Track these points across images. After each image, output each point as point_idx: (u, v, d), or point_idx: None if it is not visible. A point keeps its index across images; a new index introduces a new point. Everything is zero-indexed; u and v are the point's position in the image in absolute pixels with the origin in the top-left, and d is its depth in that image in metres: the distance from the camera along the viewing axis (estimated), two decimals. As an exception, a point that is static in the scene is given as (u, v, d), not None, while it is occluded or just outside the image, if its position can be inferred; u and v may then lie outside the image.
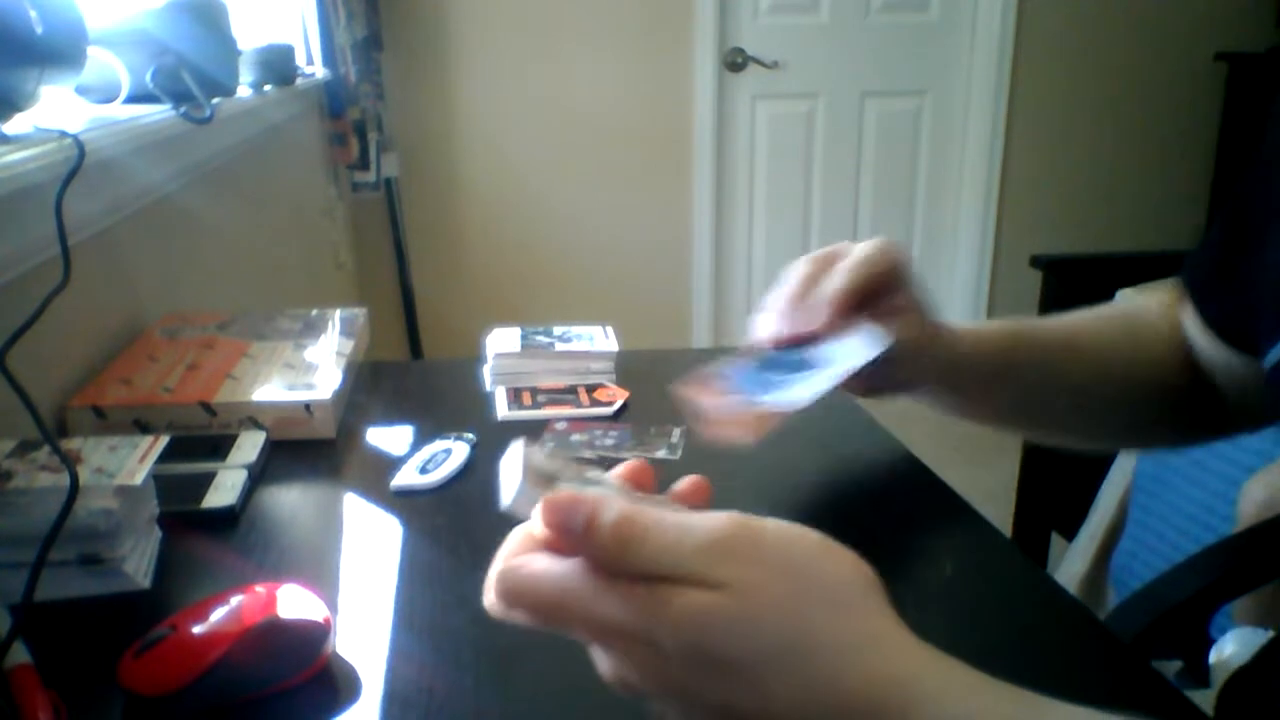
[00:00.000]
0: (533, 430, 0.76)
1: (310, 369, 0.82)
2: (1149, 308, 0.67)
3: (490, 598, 0.35)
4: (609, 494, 0.35)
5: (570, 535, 0.33)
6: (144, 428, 0.74)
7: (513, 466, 0.36)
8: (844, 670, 0.32)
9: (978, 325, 0.63)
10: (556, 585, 0.33)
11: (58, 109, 0.79)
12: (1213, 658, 0.75)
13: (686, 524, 0.33)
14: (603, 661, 0.35)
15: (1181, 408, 0.66)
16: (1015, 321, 0.64)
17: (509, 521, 0.36)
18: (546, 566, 0.34)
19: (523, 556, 0.35)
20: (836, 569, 0.34)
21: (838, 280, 0.56)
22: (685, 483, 0.39)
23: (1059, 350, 0.65)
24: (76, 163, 0.70)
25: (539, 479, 0.36)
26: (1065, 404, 0.66)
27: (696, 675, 0.32)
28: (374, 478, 0.69)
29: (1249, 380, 0.59)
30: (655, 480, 0.39)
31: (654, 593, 0.32)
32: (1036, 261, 2.10)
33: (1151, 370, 0.65)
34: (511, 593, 0.34)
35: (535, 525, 0.35)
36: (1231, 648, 0.74)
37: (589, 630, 0.34)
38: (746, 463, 0.65)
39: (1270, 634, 0.77)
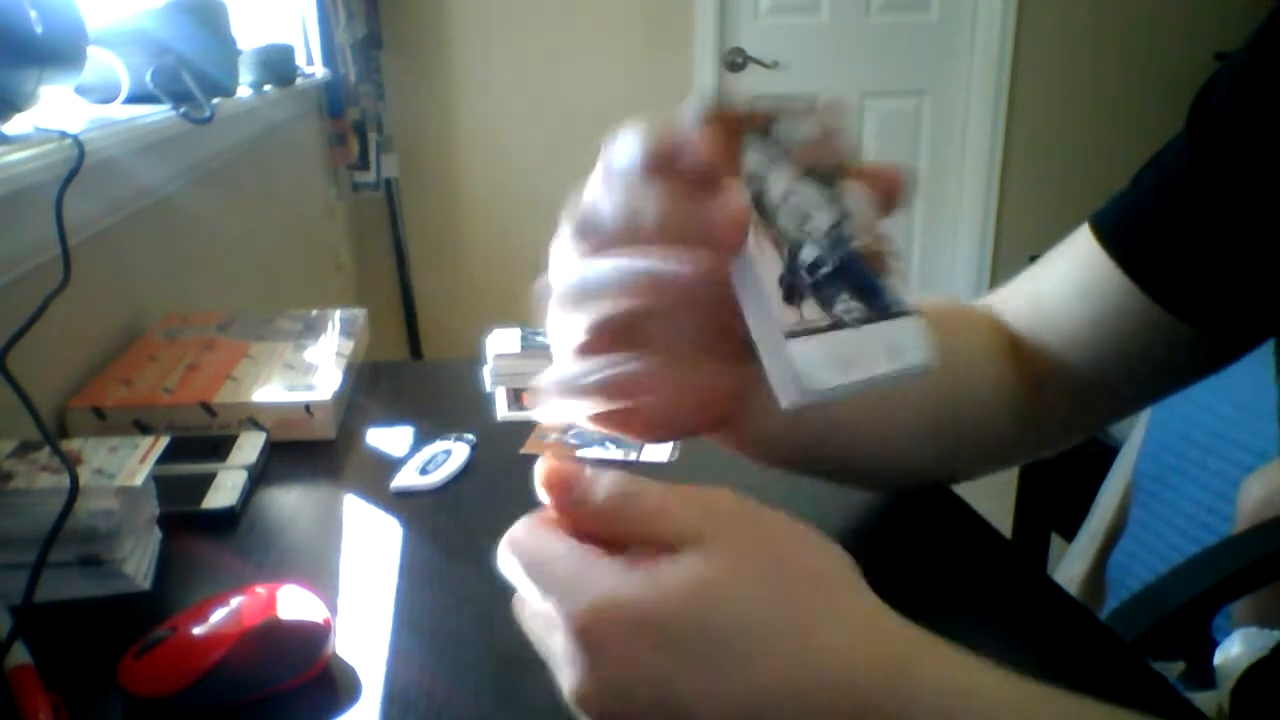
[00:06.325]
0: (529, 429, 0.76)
1: (310, 370, 0.82)
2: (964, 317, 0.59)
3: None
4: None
5: (565, 505, 0.33)
6: (144, 428, 0.74)
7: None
8: (847, 644, 0.30)
9: None
10: (553, 543, 0.32)
11: (58, 109, 0.79)
12: (1218, 658, 0.75)
13: (676, 488, 0.32)
14: (568, 670, 0.32)
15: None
16: None
17: (510, 524, 0.35)
18: (552, 533, 0.33)
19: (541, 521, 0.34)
20: (824, 550, 0.33)
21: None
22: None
23: None
24: (76, 163, 0.70)
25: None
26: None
27: (681, 659, 0.29)
28: (374, 478, 0.69)
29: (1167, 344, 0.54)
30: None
31: (649, 566, 0.30)
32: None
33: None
34: (513, 543, 0.33)
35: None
36: (1238, 648, 0.74)
37: (570, 598, 0.31)
38: (742, 464, 0.65)
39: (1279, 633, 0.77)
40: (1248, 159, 0.49)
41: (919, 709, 0.30)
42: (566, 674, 0.31)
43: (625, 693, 0.30)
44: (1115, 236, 0.55)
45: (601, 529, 0.32)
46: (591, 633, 0.30)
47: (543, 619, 0.33)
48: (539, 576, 0.32)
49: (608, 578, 0.30)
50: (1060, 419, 0.60)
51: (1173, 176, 0.53)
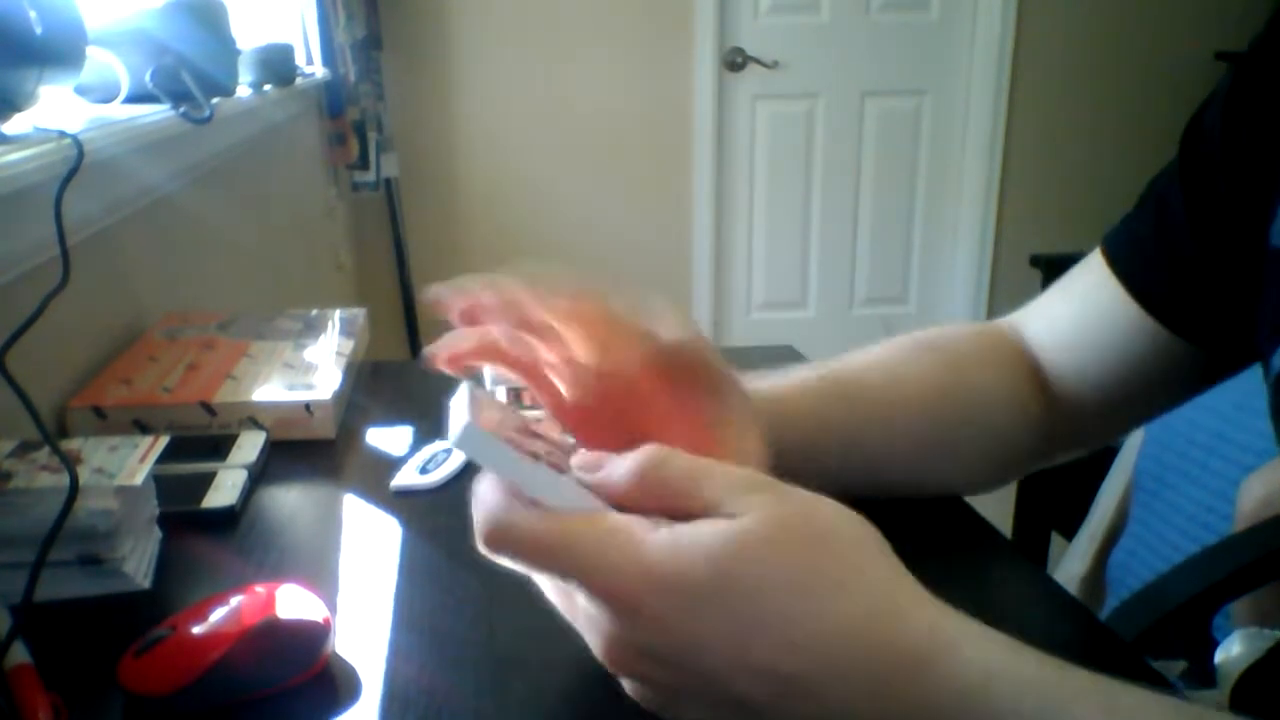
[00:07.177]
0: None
1: (310, 369, 0.82)
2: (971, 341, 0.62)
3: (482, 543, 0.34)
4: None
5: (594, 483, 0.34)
6: (144, 428, 0.74)
7: (460, 406, 0.37)
8: (882, 611, 0.32)
9: (780, 388, 0.54)
10: (556, 523, 0.32)
11: (57, 109, 0.79)
12: (1218, 658, 0.75)
13: (711, 460, 0.34)
14: (594, 632, 0.33)
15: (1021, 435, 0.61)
16: (821, 378, 0.56)
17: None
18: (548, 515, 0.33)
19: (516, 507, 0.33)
20: (847, 519, 0.34)
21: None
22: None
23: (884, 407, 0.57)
24: (76, 163, 0.70)
25: (486, 419, 0.36)
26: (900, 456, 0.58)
27: (707, 619, 0.30)
28: (374, 478, 0.69)
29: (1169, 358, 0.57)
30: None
31: (676, 529, 0.31)
32: (1036, 261, 2.10)
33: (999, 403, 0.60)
34: (506, 539, 0.33)
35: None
36: (1238, 647, 0.74)
37: (595, 579, 0.31)
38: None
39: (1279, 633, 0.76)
40: (1234, 196, 0.52)
41: (937, 687, 0.32)
42: (596, 636, 0.33)
43: (653, 651, 0.32)
44: (1121, 260, 0.58)
45: (629, 501, 0.33)
46: (622, 600, 0.31)
47: (561, 590, 0.35)
48: (554, 563, 0.32)
49: (630, 547, 0.31)
50: (1070, 433, 0.63)
51: (1171, 211, 0.56)
